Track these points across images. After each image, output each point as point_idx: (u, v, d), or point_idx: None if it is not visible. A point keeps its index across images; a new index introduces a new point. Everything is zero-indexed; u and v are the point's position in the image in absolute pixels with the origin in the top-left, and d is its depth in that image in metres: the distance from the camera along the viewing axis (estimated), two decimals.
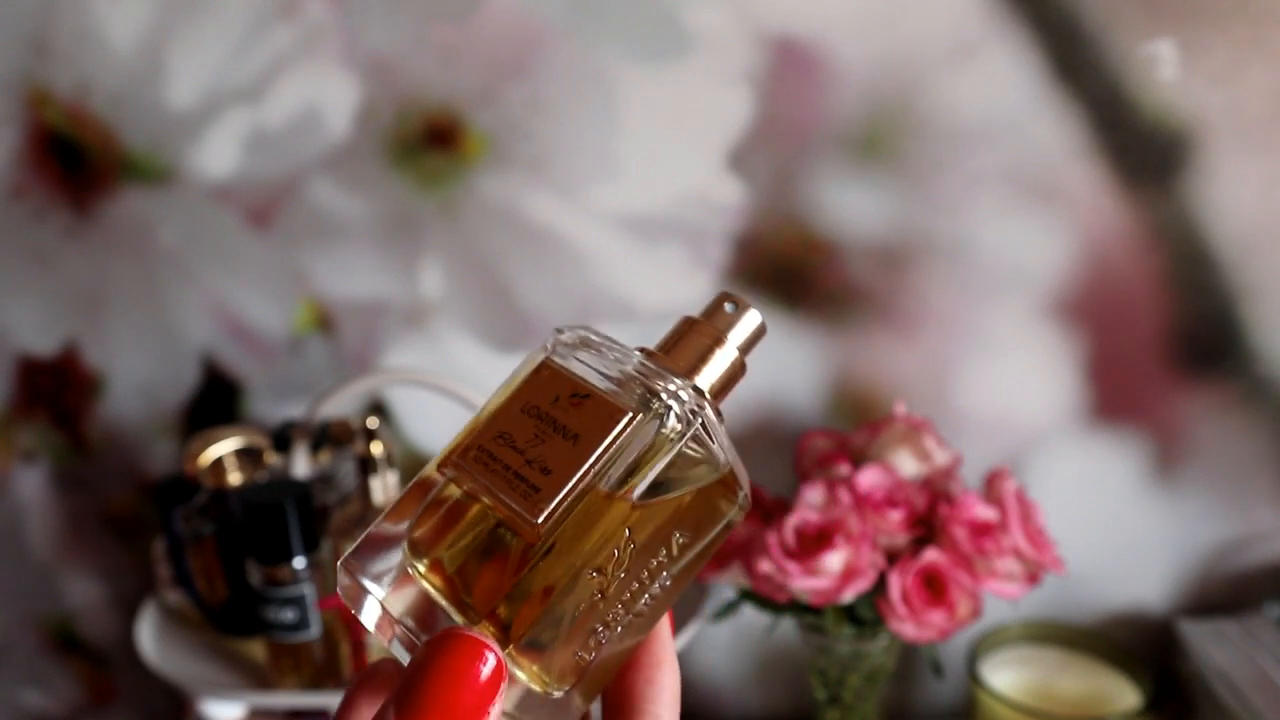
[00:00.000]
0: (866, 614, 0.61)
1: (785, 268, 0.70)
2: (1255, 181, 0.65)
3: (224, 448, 0.66)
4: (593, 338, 0.28)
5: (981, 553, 0.58)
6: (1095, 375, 0.70)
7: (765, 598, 0.61)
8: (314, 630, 0.62)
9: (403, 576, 0.26)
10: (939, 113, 0.66)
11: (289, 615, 0.62)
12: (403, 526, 0.27)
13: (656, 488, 0.26)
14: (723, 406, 0.29)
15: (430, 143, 0.70)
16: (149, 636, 0.69)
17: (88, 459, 0.80)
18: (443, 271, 0.72)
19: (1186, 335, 0.68)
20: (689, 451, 0.26)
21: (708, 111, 0.67)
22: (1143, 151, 0.65)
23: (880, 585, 0.59)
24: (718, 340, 0.29)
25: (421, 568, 0.26)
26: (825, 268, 0.70)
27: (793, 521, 0.59)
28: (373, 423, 0.63)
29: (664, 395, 0.26)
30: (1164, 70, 0.63)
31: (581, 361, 0.28)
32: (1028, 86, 0.65)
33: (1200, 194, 0.66)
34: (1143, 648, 0.74)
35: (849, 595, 0.57)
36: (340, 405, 0.66)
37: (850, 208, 0.69)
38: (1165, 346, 0.69)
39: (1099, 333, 0.69)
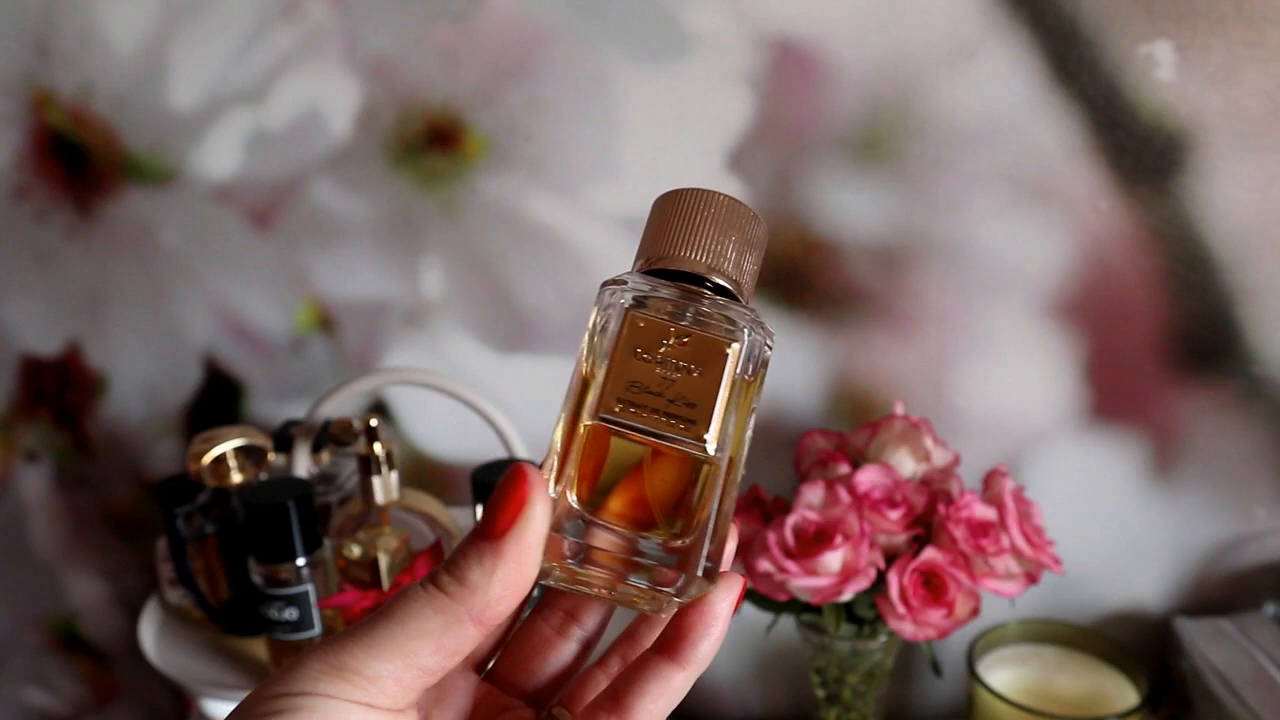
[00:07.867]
0: (866, 613, 0.61)
1: (785, 268, 0.70)
2: (1252, 182, 0.65)
3: (226, 447, 0.66)
4: (641, 287, 0.31)
5: (980, 552, 0.58)
6: (1093, 375, 0.70)
7: (765, 596, 0.61)
8: (316, 629, 0.62)
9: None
10: (938, 114, 0.66)
11: (291, 614, 0.62)
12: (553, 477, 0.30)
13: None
14: None
15: (431, 143, 0.70)
16: (151, 635, 0.69)
17: (90, 459, 0.81)
18: (443, 272, 0.73)
19: (1184, 335, 0.69)
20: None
21: (707, 112, 0.68)
22: (1140, 152, 0.65)
23: (879, 584, 0.59)
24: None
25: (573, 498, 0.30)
26: (824, 268, 0.70)
27: (792, 521, 0.59)
28: (374, 422, 0.63)
29: (746, 328, 0.30)
30: (1161, 71, 0.63)
31: (656, 304, 0.31)
32: (1026, 88, 0.65)
33: (1197, 194, 0.66)
34: (1140, 646, 0.74)
35: (848, 594, 0.58)
36: (341, 405, 0.66)
37: (849, 208, 0.69)
38: (1163, 346, 0.69)
39: (1097, 333, 0.70)
